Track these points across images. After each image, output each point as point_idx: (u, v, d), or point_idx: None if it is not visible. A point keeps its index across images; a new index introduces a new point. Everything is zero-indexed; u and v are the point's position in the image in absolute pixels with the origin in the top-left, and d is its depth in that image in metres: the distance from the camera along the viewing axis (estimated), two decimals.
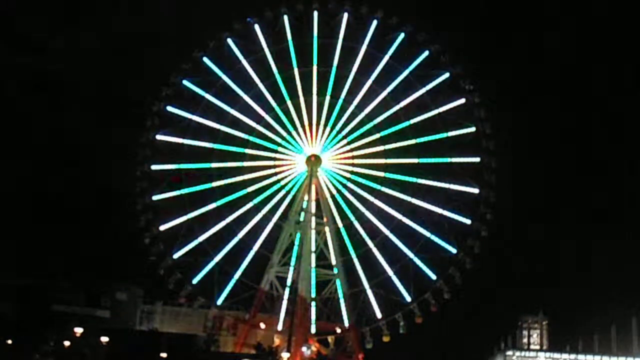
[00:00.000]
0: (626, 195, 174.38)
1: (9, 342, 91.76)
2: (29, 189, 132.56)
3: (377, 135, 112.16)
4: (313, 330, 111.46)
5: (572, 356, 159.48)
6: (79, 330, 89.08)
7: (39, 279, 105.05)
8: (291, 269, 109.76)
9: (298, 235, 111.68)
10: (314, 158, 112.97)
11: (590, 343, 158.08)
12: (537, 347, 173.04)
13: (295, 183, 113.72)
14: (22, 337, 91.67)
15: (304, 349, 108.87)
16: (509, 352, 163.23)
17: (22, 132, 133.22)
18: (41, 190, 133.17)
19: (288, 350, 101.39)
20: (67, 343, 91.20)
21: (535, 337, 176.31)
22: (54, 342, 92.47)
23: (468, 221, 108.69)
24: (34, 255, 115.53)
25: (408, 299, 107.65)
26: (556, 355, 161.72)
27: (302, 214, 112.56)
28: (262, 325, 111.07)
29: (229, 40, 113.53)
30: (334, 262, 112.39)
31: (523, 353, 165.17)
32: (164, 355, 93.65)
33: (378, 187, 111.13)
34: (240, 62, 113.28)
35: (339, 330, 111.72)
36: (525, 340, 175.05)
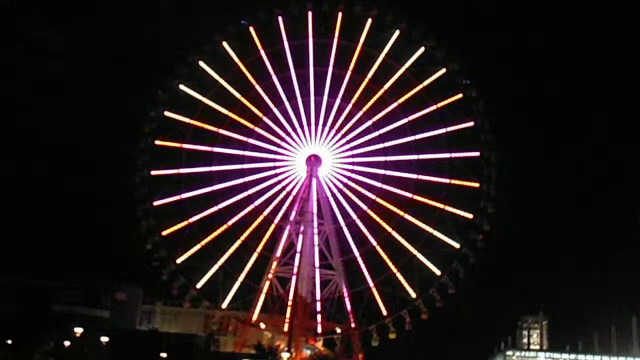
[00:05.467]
0: (627, 192, 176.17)
1: (9, 342, 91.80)
2: (29, 189, 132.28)
3: (376, 133, 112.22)
4: (319, 330, 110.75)
5: (572, 356, 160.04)
6: (79, 330, 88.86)
7: (39, 279, 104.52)
8: (294, 269, 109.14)
9: (299, 235, 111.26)
10: (314, 158, 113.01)
11: (590, 343, 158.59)
12: (537, 347, 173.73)
13: (296, 183, 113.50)
14: (22, 337, 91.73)
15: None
16: (509, 352, 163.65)
17: (23, 132, 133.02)
18: (41, 191, 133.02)
19: (288, 350, 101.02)
20: (67, 343, 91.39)
21: (535, 337, 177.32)
22: (54, 342, 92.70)
23: (470, 215, 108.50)
24: (34, 255, 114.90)
25: (413, 295, 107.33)
26: (556, 355, 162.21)
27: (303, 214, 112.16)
28: (262, 325, 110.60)
29: (224, 44, 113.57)
30: (334, 261, 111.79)
31: (523, 353, 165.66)
32: (164, 355, 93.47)
33: (379, 184, 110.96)
34: (236, 64, 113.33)
35: (338, 330, 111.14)
36: (525, 340, 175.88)
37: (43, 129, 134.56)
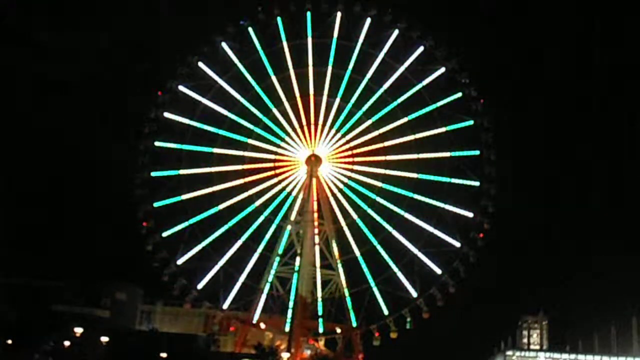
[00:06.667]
0: (627, 192, 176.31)
1: (9, 342, 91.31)
2: (29, 190, 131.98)
3: (376, 133, 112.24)
4: (320, 329, 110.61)
5: (572, 356, 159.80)
6: (79, 330, 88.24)
7: (39, 279, 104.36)
8: (296, 268, 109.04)
9: (299, 235, 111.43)
10: (314, 158, 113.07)
11: (590, 343, 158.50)
12: (537, 347, 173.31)
13: (297, 184, 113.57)
14: (22, 337, 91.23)
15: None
16: (509, 352, 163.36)
17: (22, 132, 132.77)
18: (41, 192, 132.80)
19: (288, 350, 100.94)
20: (67, 343, 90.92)
21: (535, 337, 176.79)
22: (54, 342, 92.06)
23: (470, 214, 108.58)
24: (34, 255, 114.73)
25: (414, 294, 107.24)
26: (556, 355, 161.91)
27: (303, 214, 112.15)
28: (262, 325, 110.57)
29: (224, 44, 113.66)
30: (334, 261, 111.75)
31: (523, 353, 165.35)
32: (164, 355, 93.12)
33: (379, 184, 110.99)
34: (235, 65, 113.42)
35: (339, 330, 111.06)
36: (525, 340, 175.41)
37: (43, 129, 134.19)
